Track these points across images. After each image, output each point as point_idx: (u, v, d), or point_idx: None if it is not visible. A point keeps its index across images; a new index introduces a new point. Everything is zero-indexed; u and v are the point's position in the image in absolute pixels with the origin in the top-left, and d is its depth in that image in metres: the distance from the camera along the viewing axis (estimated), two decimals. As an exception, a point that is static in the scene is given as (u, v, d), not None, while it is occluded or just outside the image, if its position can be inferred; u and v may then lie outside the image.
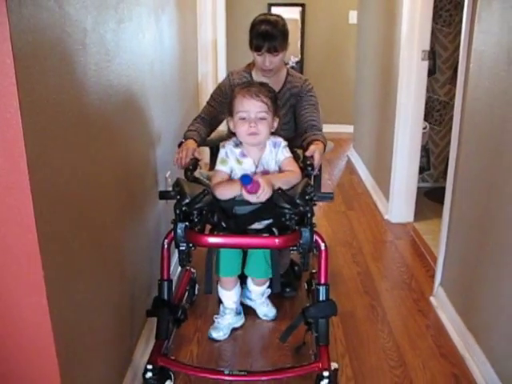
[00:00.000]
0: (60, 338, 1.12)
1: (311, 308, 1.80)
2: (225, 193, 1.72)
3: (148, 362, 1.68)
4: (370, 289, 2.52)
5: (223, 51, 4.67)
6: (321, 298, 1.78)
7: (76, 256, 1.25)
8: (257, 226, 1.77)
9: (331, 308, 1.77)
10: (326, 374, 1.63)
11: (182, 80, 2.99)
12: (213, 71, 4.44)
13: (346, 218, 3.47)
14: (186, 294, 2.19)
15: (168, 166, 2.33)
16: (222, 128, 2.35)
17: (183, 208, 1.66)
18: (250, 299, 2.24)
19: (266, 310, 2.23)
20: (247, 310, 2.24)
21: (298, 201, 1.64)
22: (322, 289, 1.78)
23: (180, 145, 2.02)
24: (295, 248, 1.73)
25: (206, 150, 2.52)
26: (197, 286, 2.35)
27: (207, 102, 2.26)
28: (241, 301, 2.20)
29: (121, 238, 1.65)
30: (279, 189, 1.65)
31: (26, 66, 0.96)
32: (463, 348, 2.00)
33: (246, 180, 1.60)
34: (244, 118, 1.75)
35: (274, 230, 1.77)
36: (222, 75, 4.64)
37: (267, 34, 2.05)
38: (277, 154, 1.82)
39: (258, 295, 2.20)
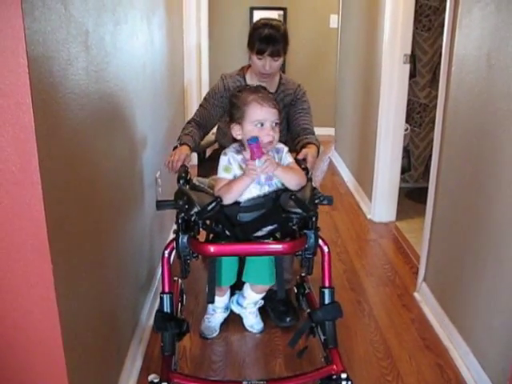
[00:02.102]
0: (67, 331, 1.15)
1: (318, 311, 1.78)
2: (234, 187, 1.65)
3: (161, 380, 1.59)
4: (355, 285, 2.59)
5: (206, 55, 4.71)
6: (326, 301, 1.77)
7: (81, 253, 1.28)
8: (259, 232, 1.72)
9: (338, 310, 1.76)
10: (344, 375, 1.62)
11: (171, 82, 3.03)
12: (197, 75, 4.47)
13: (330, 218, 3.53)
14: (180, 305, 2.11)
15: (158, 167, 2.36)
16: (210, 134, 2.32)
17: (193, 217, 1.61)
18: (241, 306, 2.15)
19: (254, 321, 2.17)
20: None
21: (308, 205, 1.62)
22: (327, 292, 1.77)
23: (175, 149, 1.98)
24: (300, 253, 1.73)
25: (194, 155, 2.51)
26: (184, 297, 2.26)
27: (200, 105, 2.23)
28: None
29: (114, 239, 1.65)
30: (292, 194, 1.63)
31: (37, 66, 1.00)
32: (447, 339, 2.08)
33: (253, 140, 1.60)
34: (260, 127, 1.67)
35: (277, 235, 1.73)
36: (205, 79, 4.68)
37: (271, 38, 2.01)
38: (281, 159, 1.77)
39: (251, 304, 2.12)
